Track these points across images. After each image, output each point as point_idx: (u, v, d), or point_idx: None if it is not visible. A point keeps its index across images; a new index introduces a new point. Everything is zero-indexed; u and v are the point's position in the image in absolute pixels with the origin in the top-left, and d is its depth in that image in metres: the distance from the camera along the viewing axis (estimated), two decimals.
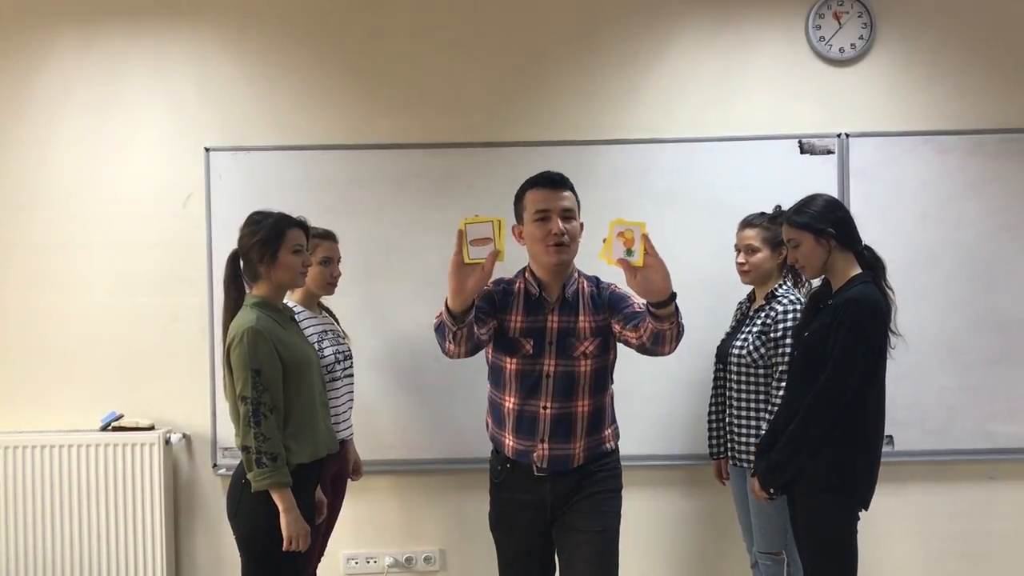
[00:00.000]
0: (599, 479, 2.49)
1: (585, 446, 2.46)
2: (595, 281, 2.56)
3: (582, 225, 2.51)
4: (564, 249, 2.42)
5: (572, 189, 2.48)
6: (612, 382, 2.57)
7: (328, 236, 3.07)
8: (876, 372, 2.53)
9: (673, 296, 2.18)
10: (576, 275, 2.53)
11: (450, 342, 2.28)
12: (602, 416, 2.51)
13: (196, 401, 3.59)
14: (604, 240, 2.13)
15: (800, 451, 2.54)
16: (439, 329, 2.32)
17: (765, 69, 3.63)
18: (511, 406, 2.48)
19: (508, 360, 2.47)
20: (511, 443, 2.49)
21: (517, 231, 2.52)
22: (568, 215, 2.43)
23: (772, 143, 3.57)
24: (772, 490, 2.64)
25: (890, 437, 3.50)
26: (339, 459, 3.05)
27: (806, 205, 2.65)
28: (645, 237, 2.08)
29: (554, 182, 2.45)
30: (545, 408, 2.44)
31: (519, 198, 2.50)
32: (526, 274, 2.53)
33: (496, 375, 2.53)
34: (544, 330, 2.45)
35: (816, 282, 2.83)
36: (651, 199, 3.58)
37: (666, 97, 3.65)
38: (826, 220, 2.59)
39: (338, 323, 3.20)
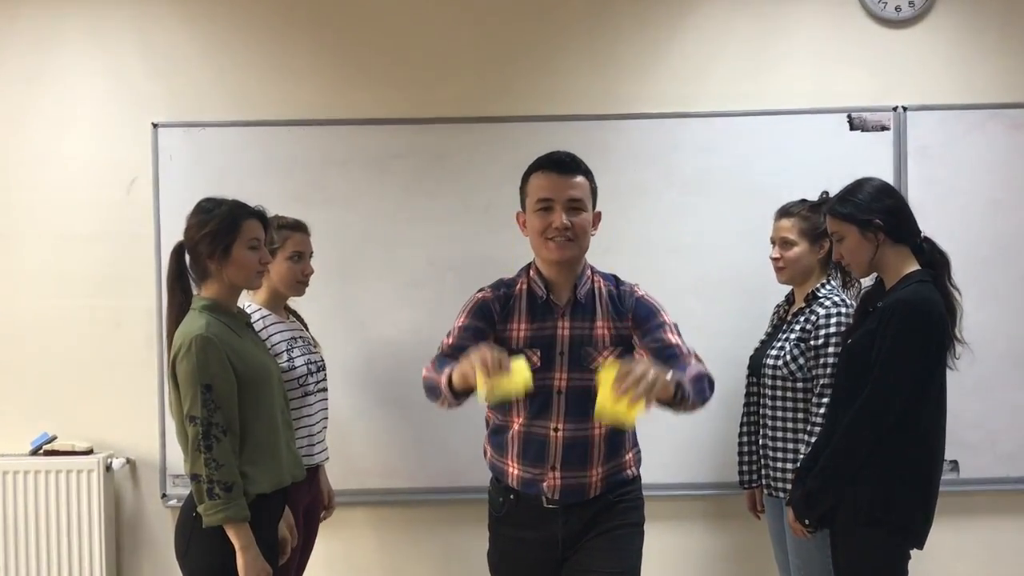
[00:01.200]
0: (619, 511, 2.46)
1: (603, 474, 2.44)
2: (613, 280, 2.53)
3: (598, 216, 2.48)
4: (567, 245, 2.39)
5: (586, 173, 2.45)
6: None
7: (299, 228, 3.06)
8: (930, 386, 2.50)
9: (679, 387, 2.16)
10: (588, 272, 2.50)
11: (442, 405, 2.33)
12: (622, 438, 2.49)
13: (142, 421, 3.58)
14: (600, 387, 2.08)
15: (839, 477, 2.52)
16: (431, 391, 2.35)
17: (808, 31, 3.61)
18: (517, 428, 2.45)
19: None
20: (516, 472, 2.46)
21: (521, 219, 2.50)
22: (576, 205, 2.40)
23: (817, 118, 3.55)
24: (809, 523, 2.62)
25: (954, 463, 3.49)
26: (312, 488, 3.03)
27: (851, 192, 2.64)
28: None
29: (562, 165, 2.42)
30: (556, 430, 2.41)
31: (524, 181, 2.48)
32: (530, 272, 2.51)
33: None
34: (553, 338, 2.43)
35: (868, 282, 2.81)
36: (675, 183, 3.56)
37: (693, 64, 3.62)
38: (873, 209, 2.57)
39: (307, 329, 3.18)
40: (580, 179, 2.42)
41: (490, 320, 2.45)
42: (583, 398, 2.38)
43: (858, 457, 2.50)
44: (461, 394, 2.26)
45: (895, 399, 2.45)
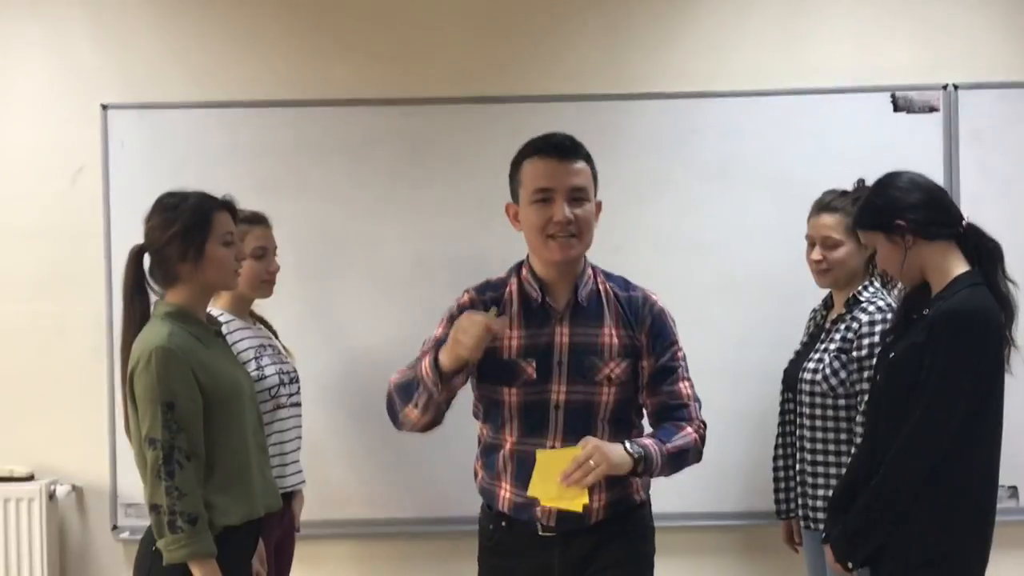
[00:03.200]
0: (625, 541, 2.47)
1: (606, 499, 2.44)
2: (622, 283, 2.53)
3: (599, 206, 2.48)
4: (571, 243, 2.39)
5: (587, 158, 2.45)
6: (641, 418, 2.56)
7: (259, 220, 3.07)
8: (988, 405, 2.51)
9: (640, 461, 2.31)
10: (590, 271, 2.51)
11: (414, 408, 2.35)
12: None
13: (90, 442, 3.58)
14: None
15: (885, 513, 2.53)
16: (404, 389, 2.37)
17: (847, 0, 3.63)
18: (509, 447, 2.46)
19: (507, 392, 2.44)
20: (508, 495, 2.47)
21: (512, 211, 2.49)
22: (579, 195, 2.39)
23: (856, 97, 3.57)
24: (851, 564, 2.63)
25: (1013, 488, 3.51)
26: (284, 519, 3.03)
27: (873, 195, 2.63)
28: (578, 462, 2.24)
29: (562, 149, 2.41)
30: (553, 448, 2.42)
31: (515, 167, 2.47)
32: (522, 272, 2.52)
33: (491, 411, 2.51)
34: (551, 346, 2.43)
35: None
36: (696, 172, 3.58)
37: (716, 37, 3.64)
38: (896, 210, 2.55)
39: (277, 337, 3.19)
40: (581, 164, 2.42)
41: None
42: (584, 413, 2.42)
43: (909, 492, 2.50)
44: (449, 375, 2.27)
45: (950, 424, 2.44)
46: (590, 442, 2.27)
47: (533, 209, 2.39)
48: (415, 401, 2.34)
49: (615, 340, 2.44)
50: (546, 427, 2.43)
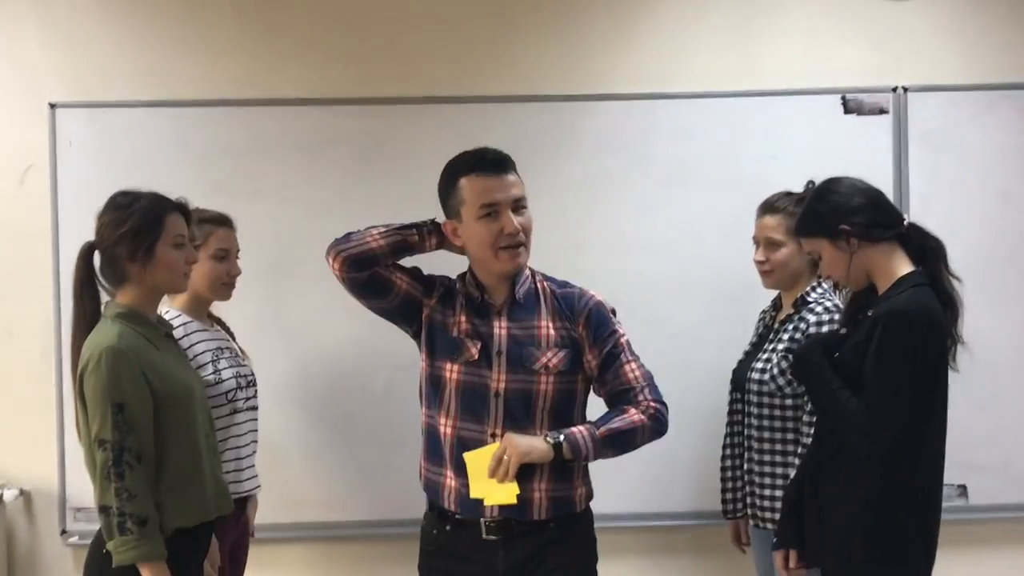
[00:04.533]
0: (567, 546, 2.55)
1: (548, 491, 2.51)
2: (560, 283, 2.65)
3: None
4: (520, 251, 2.52)
5: (515, 168, 2.57)
6: (584, 419, 2.61)
7: (223, 222, 3.08)
8: (932, 403, 2.56)
9: (562, 446, 2.45)
10: (527, 272, 2.62)
11: (379, 229, 2.56)
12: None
13: (38, 446, 3.57)
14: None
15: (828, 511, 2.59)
16: (384, 224, 2.58)
17: (800, 2, 3.69)
18: (448, 431, 2.55)
19: (449, 367, 2.55)
20: (453, 483, 2.54)
21: (450, 228, 2.58)
22: (520, 205, 2.53)
23: (808, 99, 3.63)
24: (793, 567, 2.69)
25: (962, 487, 3.57)
26: (239, 523, 3.04)
27: (814, 202, 2.68)
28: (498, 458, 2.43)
29: (499, 164, 2.53)
30: (494, 436, 2.50)
31: (450, 185, 2.57)
32: (466, 278, 2.64)
33: (434, 390, 2.59)
34: (491, 337, 2.55)
35: None
36: (650, 172, 3.63)
37: (671, 39, 3.69)
38: (839, 215, 2.60)
39: (234, 339, 3.19)
40: (515, 177, 2.55)
41: (427, 286, 2.64)
42: (524, 402, 2.52)
43: (840, 474, 2.57)
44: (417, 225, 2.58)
45: (893, 420, 2.49)
46: (505, 437, 2.45)
47: (482, 224, 2.50)
48: (388, 224, 2.58)
49: (551, 332, 2.56)
50: (485, 413, 2.52)
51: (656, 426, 2.53)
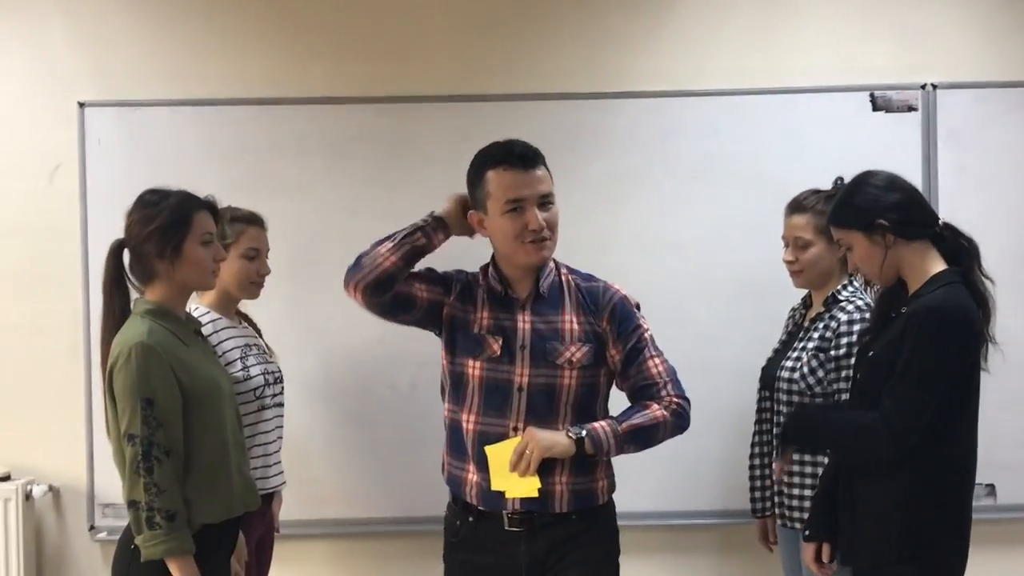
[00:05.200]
0: (589, 539, 2.56)
1: (569, 484, 2.53)
2: (585, 276, 2.66)
3: None
4: (546, 245, 2.52)
5: (545, 163, 2.57)
6: (606, 413, 2.62)
7: (255, 221, 3.09)
8: (965, 402, 2.55)
9: (584, 441, 2.47)
10: (552, 265, 2.63)
11: (390, 242, 2.53)
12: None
13: (67, 442, 3.60)
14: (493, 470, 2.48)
15: (858, 510, 2.58)
16: (388, 238, 2.54)
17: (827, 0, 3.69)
18: (470, 427, 2.56)
19: (471, 364, 2.56)
20: (475, 478, 2.56)
21: (476, 219, 2.59)
22: (547, 201, 2.53)
23: (836, 97, 3.63)
24: (827, 561, 2.68)
25: (991, 487, 3.57)
26: (265, 518, 3.06)
27: (850, 194, 2.65)
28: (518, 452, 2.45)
29: (526, 159, 2.53)
30: (516, 430, 2.52)
31: (477, 177, 2.58)
32: (488, 271, 2.65)
33: (456, 386, 2.61)
34: (514, 331, 2.56)
35: None
36: (675, 172, 3.63)
37: (696, 37, 3.70)
38: (877, 209, 2.58)
39: (261, 336, 3.22)
40: (543, 171, 2.56)
41: (445, 286, 2.63)
42: (547, 396, 2.53)
43: (883, 486, 2.56)
44: (440, 220, 2.58)
45: (924, 415, 2.47)
46: (527, 431, 2.46)
47: (507, 219, 2.51)
48: (393, 236, 2.54)
49: (575, 326, 2.56)
50: (508, 407, 2.53)
51: (678, 422, 2.55)
